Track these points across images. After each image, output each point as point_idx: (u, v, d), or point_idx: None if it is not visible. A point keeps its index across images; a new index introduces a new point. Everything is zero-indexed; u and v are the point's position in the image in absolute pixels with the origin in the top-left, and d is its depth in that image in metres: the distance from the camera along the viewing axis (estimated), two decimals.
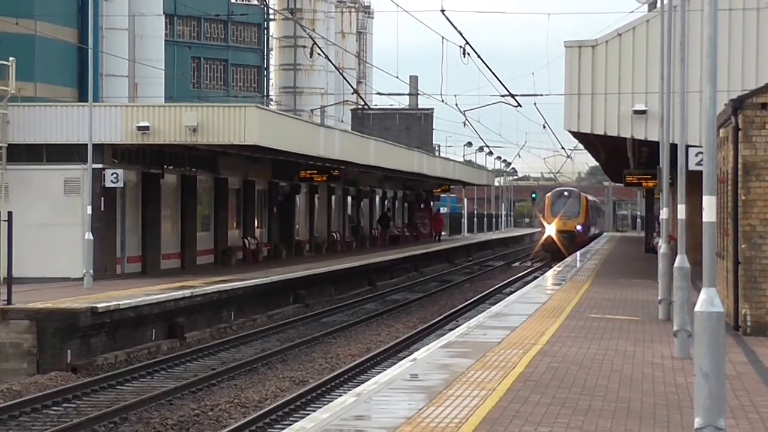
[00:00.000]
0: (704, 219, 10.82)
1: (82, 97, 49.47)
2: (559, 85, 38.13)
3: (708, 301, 10.60)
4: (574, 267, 46.07)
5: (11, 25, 44.56)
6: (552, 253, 73.60)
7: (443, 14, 36.58)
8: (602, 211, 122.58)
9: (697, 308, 10.66)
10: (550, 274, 40.60)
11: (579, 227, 76.69)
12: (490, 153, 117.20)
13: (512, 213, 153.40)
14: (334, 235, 65.85)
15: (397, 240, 78.34)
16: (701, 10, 30.13)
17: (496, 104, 47.27)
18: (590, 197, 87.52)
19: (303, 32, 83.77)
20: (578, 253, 60.90)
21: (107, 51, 56.02)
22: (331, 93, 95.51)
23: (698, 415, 10.51)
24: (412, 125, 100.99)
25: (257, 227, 53.98)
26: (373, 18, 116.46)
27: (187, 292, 33.34)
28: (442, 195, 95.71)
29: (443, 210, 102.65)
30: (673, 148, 24.67)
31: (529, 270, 64.60)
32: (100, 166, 37.61)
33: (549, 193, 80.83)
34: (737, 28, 34.01)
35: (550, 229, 75.64)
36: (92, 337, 28.53)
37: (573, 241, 74.13)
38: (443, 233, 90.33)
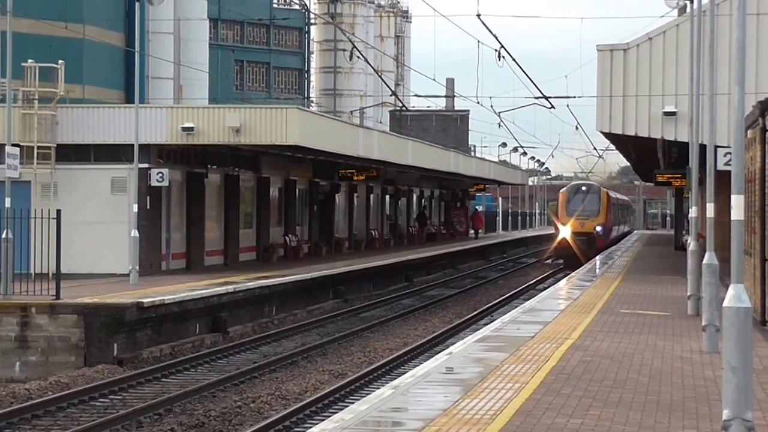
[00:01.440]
0: (732, 217, 10.93)
1: (129, 99, 49.98)
2: (591, 87, 38.40)
3: (736, 296, 10.70)
4: (605, 264, 46.13)
5: (61, 30, 45.12)
6: (566, 259, 61.99)
7: (479, 19, 37.04)
8: (632, 209, 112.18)
9: (725, 304, 10.77)
10: (581, 271, 40.77)
11: (598, 228, 63.16)
12: (524, 153, 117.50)
13: (545, 211, 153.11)
14: (373, 232, 66.15)
15: (434, 237, 78.45)
16: (730, 15, 30.49)
17: (530, 106, 47.51)
18: (614, 193, 75.03)
19: (343, 36, 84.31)
20: (597, 259, 51.76)
21: (153, 54, 56.58)
22: (370, 95, 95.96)
23: (726, 407, 10.65)
24: (449, 126, 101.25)
25: (298, 225, 54.27)
26: (410, 22, 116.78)
27: (230, 288, 33.63)
28: (477, 194, 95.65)
29: (479, 208, 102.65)
30: (702, 148, 24.98)
31: (560, 267, 63.08)
32: (146, 165, 37.93)
33: (564, 189, 66.90)
34: (765, 32, 34.11)
35: (565, 231, 62.04)
36: (138, 331, 28.83)
37: (591, 246, 61.50)
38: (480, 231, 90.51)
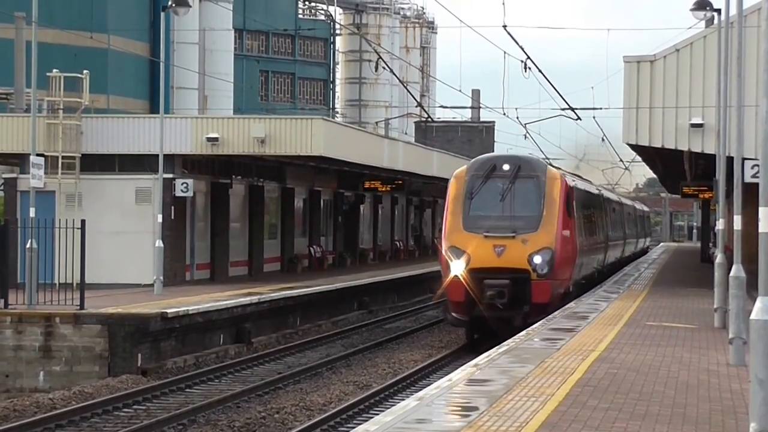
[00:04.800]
0: (760, 230, 10.92)
1: (154, 109, 50.22)
2: (618, 99, 38.29)
3: (763, 309, 10.71)
4: (631, 276, 45.95)
5: (86, 39, 45.36)
6: (460, 323, 31.39)
7: (505, 30, 36.95)
8: (646, 219, 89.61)
9: (752, 317, 10.75)
10: (607, 284, 40.56)
11: (539, 259, 30.54)
12: (550, 165, 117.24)
13: None
14: (397, 243, 66.17)
15: None
16: (758, 27, 30.36)
17: (557, 117, 47.34)
18: (584, 184, 39.82)
19: (368, 47, 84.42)
20: (547, 322, 25.96)
21: (178, 64, 56.75)
22: (395, 106, 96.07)
23: (753, 420, 10.65)
24: (474, 137, 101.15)
25: (323, 236, 54.34)
26: (436, 33, 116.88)
27: (254, 299, 33.66)
28: None
29: None
30: (730, 160, 24.91)
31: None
32: (170, 176, 38.00)
33: (461, 169, 32.22)
34: None
35: (457, 266, 30.41)
36: (162, 341, 28.89)
37: (521, 298, 30.40)
38: None
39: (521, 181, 31.35)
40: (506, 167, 31.50)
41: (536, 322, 26.02)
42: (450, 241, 30.73)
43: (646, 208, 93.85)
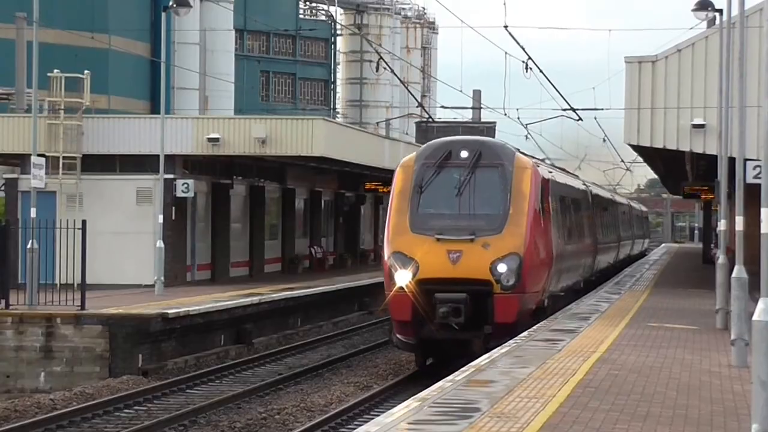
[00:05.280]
0: (762, 230, 10.98)
1: (155, 110, 50.26)
2: (619, 99, 38.22)
3: (766, 311, 10.77)
4: (633, 277, 45.93)
5: (87, 40, 45.40)
6: (405, 344, 25.98)
7: (506, 30, 36.90)
8: (644, 219, 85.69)
9: (754, 318, 10.80)
10: (608, 285, 40.52)
11: (503, 268, 24.86)
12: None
13: None
14: None
15: None
16: (760, 27, 30.38)
17: (558, 118, 47.26)
18: (566, 177, 35.30)
19: (369, 47, 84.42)
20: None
21: (179, 65, 56.79)
22: (396, 106, 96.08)
23: (755, 422, 10.72)
24: None
25: (323, 236, 54.37)
26: (437, 33, 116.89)
27: (255, 299, 33.70)
28: None
29: None
30: (731, 161, 24.87)
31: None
32: (171, 176, 38.03)
33: (409, 157, 26.74)
34: None
35: (402, 276, 24.88)
36: (163, 342, 28.92)
37: (481, 314, 24.95)
38: None
39: (483, 171, 25.58)
40: (464, 154, 25.68)
41: (499, 345, 21.23)
42: (394, 246, 25.09)
43: (644, 208, 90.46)
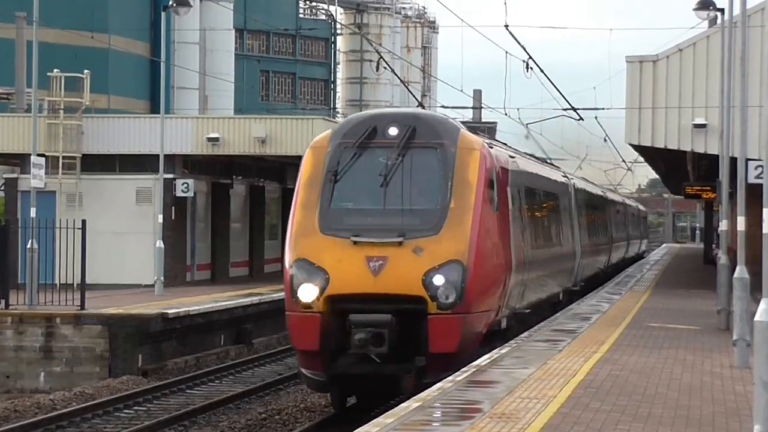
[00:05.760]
0: (764, 231, 11.05)
1: (154, 109, 50.28)
2: (620, 99, 38.24)
3: (767, 311, 10.79)
4: (633, 277, 45.88)
5: (87, 39, 45.43)
6: (313, 382, 19.67)
7: (507, 30, 36.85)
8: (642, 219, 79.83)
9: (756, 318, 10.82)
10: (609, 285, 40.46)
11: (441, 280, 18.86)
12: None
13: None
14: None
15: None
16: (761, 26, 30.36)
17: (558, 117, 47.18)
18: (536, 166, 28.51)
19: (369, 47, 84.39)
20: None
21: (179, 64, 56.79)
22: (397, 106, 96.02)
23: (757, 422, 10.73)
24: None
25: None
26: (437, 33, 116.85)
27: (255, 299, 33.72)
28: None
29: None
30: (733, 161, 24.83)
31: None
32: (171, 176, 38.07)
33: (322, 136, 20.75)
34: None
35: (307, 292, 18.97)
36: (163, 342, 28.96)
37: (411, 346, 18.88)
38: None
39: (417, 154, 19.59)
40: (393, 131, 19.65)
41: (437, 381, 16.35)
42: (297, 251, 19.26)
43: (642, 207, 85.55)
